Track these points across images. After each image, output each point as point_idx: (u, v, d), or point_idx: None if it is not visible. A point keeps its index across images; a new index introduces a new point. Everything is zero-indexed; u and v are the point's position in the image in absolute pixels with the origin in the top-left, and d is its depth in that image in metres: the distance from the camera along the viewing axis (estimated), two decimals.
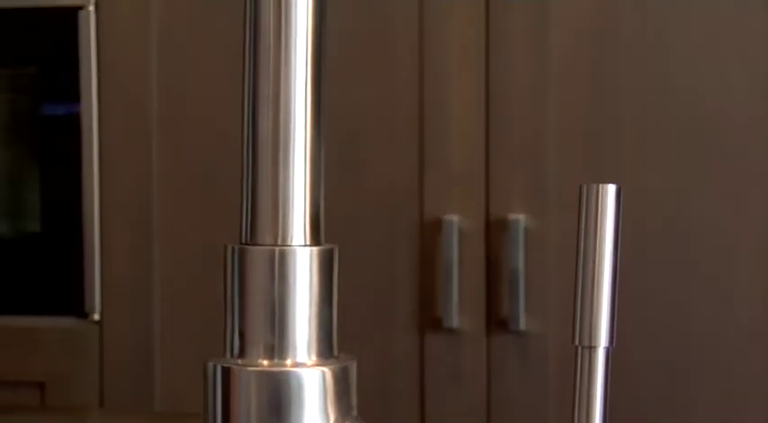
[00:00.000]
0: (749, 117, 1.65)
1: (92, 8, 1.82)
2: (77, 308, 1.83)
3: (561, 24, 1.69)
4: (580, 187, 0.46)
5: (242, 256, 0.51)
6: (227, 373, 0.51)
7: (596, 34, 1.69)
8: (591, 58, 1.69)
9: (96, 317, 1.83)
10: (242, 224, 0.52)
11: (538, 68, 1.69)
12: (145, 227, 1.81)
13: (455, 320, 1.70)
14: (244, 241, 0.52)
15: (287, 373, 0.50)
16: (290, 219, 0.52)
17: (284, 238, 0.51)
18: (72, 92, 1.83)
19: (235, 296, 0.51)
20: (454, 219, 1.70)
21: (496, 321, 1.70)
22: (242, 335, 0.51)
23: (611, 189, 0.46)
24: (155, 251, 1.80)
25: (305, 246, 0.51)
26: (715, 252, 1.65)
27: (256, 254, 0.51)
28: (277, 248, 0.51)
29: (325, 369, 0.51)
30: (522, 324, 1.68)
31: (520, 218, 1.68)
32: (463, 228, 1.70)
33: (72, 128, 1.83)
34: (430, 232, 1.72)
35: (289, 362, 0.51)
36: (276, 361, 0.51)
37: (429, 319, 1.72)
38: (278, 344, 0.51)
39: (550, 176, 1.69)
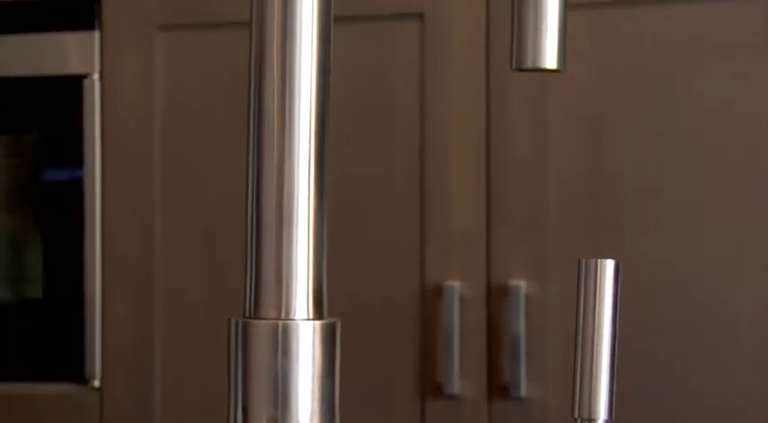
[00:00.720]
0: (749, 185, 1.66)
1: (96, 76, 1.84)
2: (77, 374, 1.83)
3: (561, 93, 1.70)
4: (579, 262, 0.47)
5: (245, 329, 0.52)
6: None
7: (596, 102, 1.70)
8: (591, 125, 1.70)
9: (96, 383, 1.83)
10: (246, 298, 0.53)
11: (538, 136, 1.71)
12: (146, 294, 1.81)
13: (456, 386, 1.70)
14: (247, 315, 0.53)
15: None
16: (293, 293, 0.52)
17: (287, 312, 0.52)
18: (75, 158, 1.84)
19: (238, 369, 0.52)
20: (455, 285, 1.70)
21: (497, 387, 1.70)
22: (245, 408, 0.52)
23: (609, 265, 0.46)
24: (156, 318, 1.81)
25: (308, 320, 0.52)
26: (717, 322, 1.65)
27: (260, 328, 0.52)
28: (280, 322, 0.52)
29: None
30: (524, 390, 1.68)
31: (521, 284, 1.68)
32: (464, 294, 1.71)
33: (74, 194, 1.84)
34: (431, 298, 1.72)
35: None
36: None
37: (430, 386, 1.72)
38: (281, 417, 0.51)
39: (551, 243, 1.69)
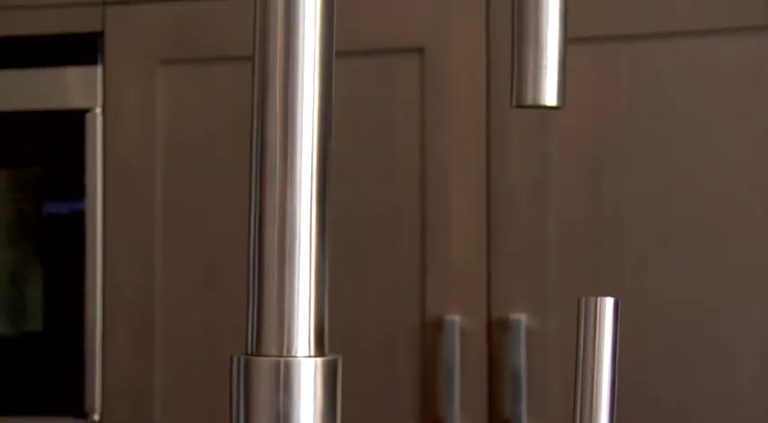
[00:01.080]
0: (749, 219, 1.66)
1: (98, 110, 1.85)
2: (77, 408, 1.83)
3: (561, 127, 1.71)
4: (579, 300, 0.47)
5: (247, 367, 0.52)
6: None
7: (596, 136, 1.70)
8: (591, 159, 1.70)
9: (96, 417, 1.82)
10: (247, 335, 0.53)
11: (539, 170, 1.71)
12: (147, 328, 1.81)
13: (457, 420, 1.69)
14: (249, 352, 0.53)
15: None
16: (294, 330, 0.52)
17: (289, 350, 0.52)
18: (76, 191, 1.85)
19: (240, 406, 0.52)
20: (456, 319, 1.70)
21: (498, 421, 1.70)
22: None
23: (608, 303, 0.47)
24: (156, 353, 1.80)
25: (309, 357, 0.52)
26: (718, 355, 1.65)
27: (261, 365, 0.52)
28: (282, 359, 0.52)
29: None
30: None
31: (521, 318, 1.68)
32: (465, 328, 1.71)
33: (76, 227, 1.84)
34: (432, 332, 1.72)
35: None
36: None
37: (431, 419, 1.72)
38: None
39: (551, 276, 1.70)
